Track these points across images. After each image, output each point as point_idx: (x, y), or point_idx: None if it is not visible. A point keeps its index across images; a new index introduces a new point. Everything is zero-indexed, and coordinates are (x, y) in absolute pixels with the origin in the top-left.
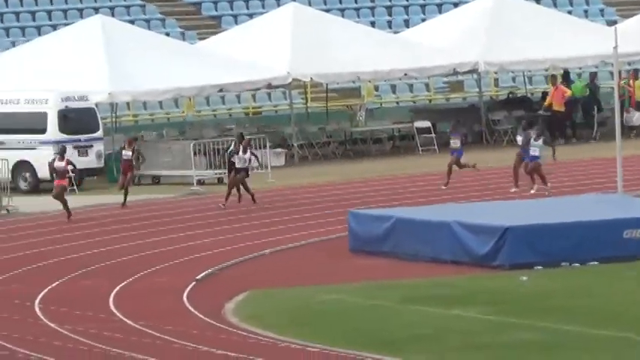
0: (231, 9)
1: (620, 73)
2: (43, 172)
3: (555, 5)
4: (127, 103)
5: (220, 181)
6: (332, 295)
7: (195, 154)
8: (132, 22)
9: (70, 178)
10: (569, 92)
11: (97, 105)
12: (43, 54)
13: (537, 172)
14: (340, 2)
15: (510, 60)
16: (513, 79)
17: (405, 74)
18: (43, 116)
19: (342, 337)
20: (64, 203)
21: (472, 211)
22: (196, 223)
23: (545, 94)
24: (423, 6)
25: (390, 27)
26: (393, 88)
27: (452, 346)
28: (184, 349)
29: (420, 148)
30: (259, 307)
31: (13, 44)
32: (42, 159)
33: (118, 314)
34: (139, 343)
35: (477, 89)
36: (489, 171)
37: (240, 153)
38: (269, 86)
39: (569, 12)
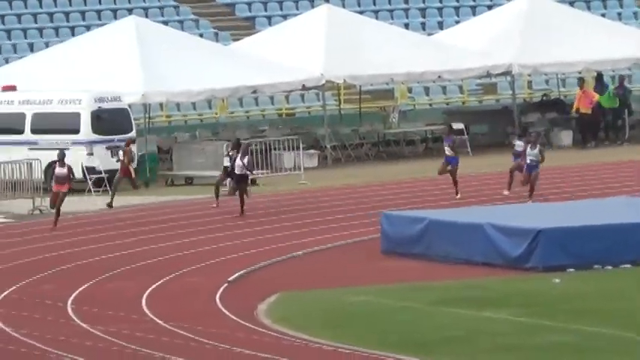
0: (265, 10)
1: None
2: (76, 173)
3: (589, 8)
4: (160, 104)
5: (253, 182)
6: (364, 297)
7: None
8: (165, 23)
9: (102, 179)
10: (596, 97)
11: (130, 106)
12: (77, 55)
13: (532, 182)
14: (374, 4)
15: (544, 62)
16: (547, 82)
17: (439, 76)
18: (76, 117)
19: (374, 339)
20: (58, 210)
21: (505, 214)
22: (229, 224)
23: None
24: (456, 8)
25: (423, 29)
26: (427, 90)
27: (483, 348)
28: (216, 350)
29: None
30: (291, 309)
31: (47, 45)
32: (75, 159)
33: (150, 315)
34: (170, 344)
35: (511, 91)
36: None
37: (238, 160)
38: (302, 88)
39: (603, 15)
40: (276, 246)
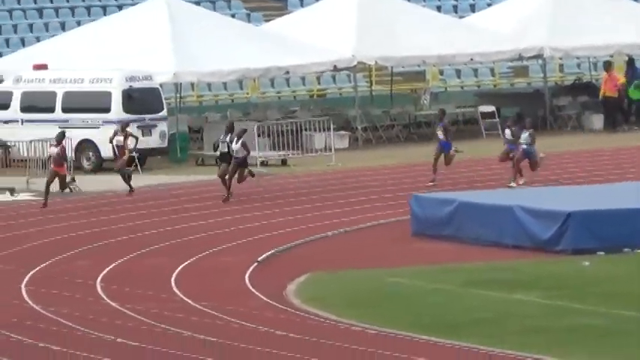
0: None
1: None
2: (107, 151)
3: None
4: (192, 84)
5: (284, 162)
6: (393, 278)
7: (258, 135)
8: (197, 3)
9: (133, 157)
10: (622, 80)
11: (161, 85)
12: (109, 34)
13: (518, 164)
14: None
15: (575, 46)
16: (578, 65)
17: (471, 59)
18: (108, 96)
19: (403, 320)
20: (47, 191)
21: (535, 196)
22: (259, 205)
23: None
24: None
25: (455, 11)
26: (458, 72)
27: (512, 330)
28: (244, 329)
29: (484, 133)
30: (321, 289)
31: (79, 24)
32: (105, 138)
33: (179, 294)
34: (199, 323)
35: (542, 75)
36: (554, 156)
37: (234, 143)
38: (334, 69)
39: None
40: (306, 226)
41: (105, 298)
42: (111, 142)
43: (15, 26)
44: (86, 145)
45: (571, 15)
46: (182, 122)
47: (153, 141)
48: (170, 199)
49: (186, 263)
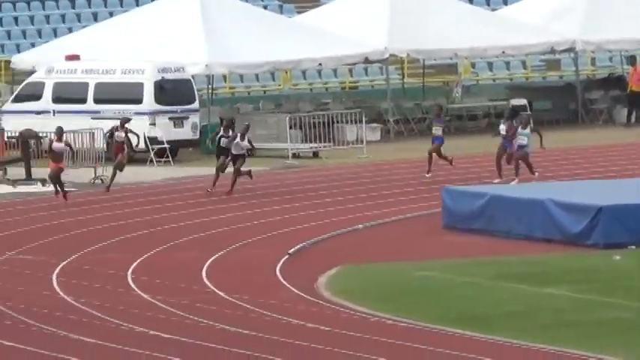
0: None
1: None
2: (139, 143)
3: None
4: (224, 76)
5: (315, 154)
6: (424, 272)
7: (290, 127)
8: None
9: (164, 149)
10: None
11: (193, 77)
12: (141, 25)
13: (525, 161)
14: None
15: (608, 39)
16: (610, 59)
17: (502, 52)
18: (139, 87)
19: (433, 313)
20: (60, 184)
21: (566, 190)
22: (290, 197)
23: None
24: None
25: (488, 4)
26: (490, 65)
27: (543, 323)
28: (276, 322)
29: None
30: (352, 282)
31: (111, 14)
32: (137, 129)
33: (210, 286)
34: (230, 316)
35: (574, 68)
36: (588, 149)
37: (238, 139)
38: (366, 61)
39: None
40: (337, 219)
41: (136, 289)
42: (110, 137)
43: (47, 17)
44: None
45: (603, 8)
46: (214, 114)
47: (184, 133)
48: (201, 191)
49: (217, 255)
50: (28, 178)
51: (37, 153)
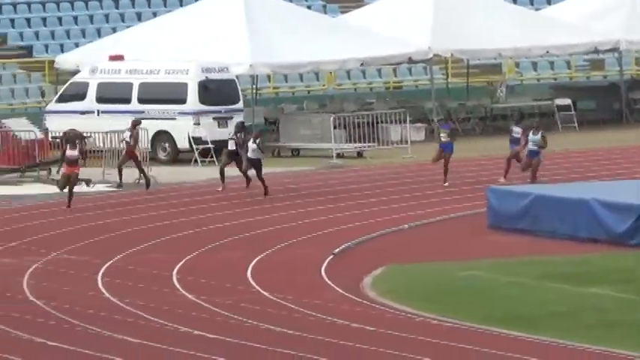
0: None
1: None
2: (182, 143)
3: None
4: (268, 76)
5: (360, 154)
6: (469, 271)
7: (335, 127)
8: None
9: (208, 149)
10: None
11: (237, 77)
12: (185, 25)
13: (534, 167)
14: None
15: None
16: None
17: (546, 51)
18: (184, 87)
19: (478, 313)
20: (70, 189)
21: (610, 190)
22: (335, 197)
23: None
24: None
25: (531, 4)
26: (534, 65)
27: (587, 323)
28: (321, 322)
29: (560, 126)
30: (396, 282)
31: (155, 14)
32: (181, 129)
33: (255, 286)
34: (275, 316)
35: (618, 68)
36: (630, 149)
37: (250, 143)
38: (410, 61)
39: None
40: (382, 219)
41: (180, 289)
42: (123, 140)
43: (91, 17)
44: (162, 136)
45: None
46: (258, 114)
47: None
48: (246, 191)
49: (262, 255)
50: None
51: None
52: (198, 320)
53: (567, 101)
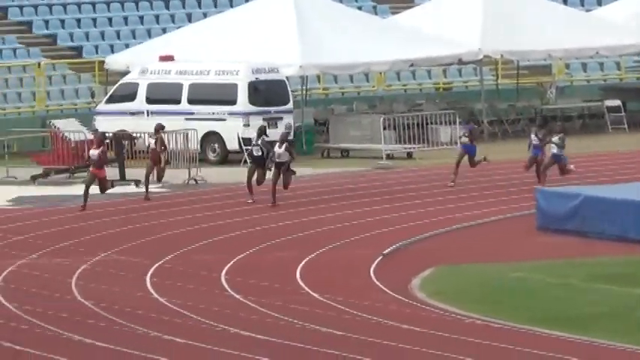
0: None
1: None
2: (232, 144)
3: None
4: (318, 77)
5: (409, 155)
6: (518, 273)
7: (384, 128)
8: None
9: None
10: None
11: (287, 78)
12: (235, 26)
13: (546, 168)
14: None
15: None
16: None
17: (596, 52)
18: (233, 88)
19: (527, 315)
20: (86, 194)
21: None
22: (384, 197)
23: None
24: None
25: (582, 5)
26: (584, 66)
27: (635, 325)
28: (368, 322)
29: (610, 127)
30: (445, 283)
31: (205, 15)
32: (231, 130)
33: (304, 287)
34: (323, 316)
35: None
36: None
37: (277, 147)
38: (460, 62)
39: None
40: (430, 220)
41: (229, 290)
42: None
43: (141, 17)
44: (211, 137)
45: None
46: (308, 115)
47: (279, 134)
48: (295, 192)
49: (311, 256)
50: (122, 179)
51: (131, 154)
52: (246, 321)
53: (617, 102)
